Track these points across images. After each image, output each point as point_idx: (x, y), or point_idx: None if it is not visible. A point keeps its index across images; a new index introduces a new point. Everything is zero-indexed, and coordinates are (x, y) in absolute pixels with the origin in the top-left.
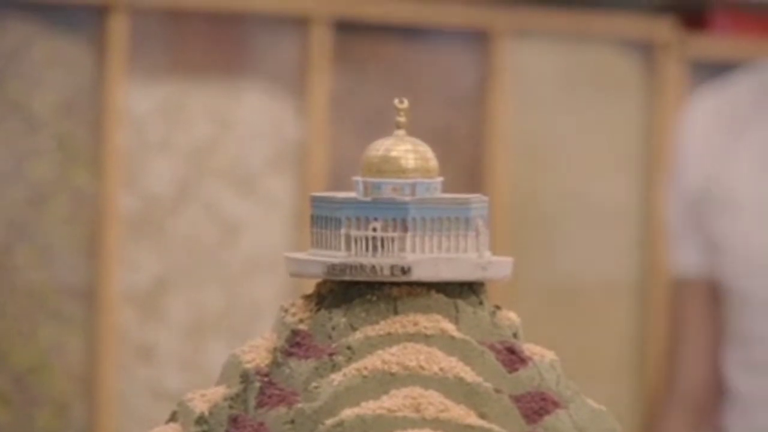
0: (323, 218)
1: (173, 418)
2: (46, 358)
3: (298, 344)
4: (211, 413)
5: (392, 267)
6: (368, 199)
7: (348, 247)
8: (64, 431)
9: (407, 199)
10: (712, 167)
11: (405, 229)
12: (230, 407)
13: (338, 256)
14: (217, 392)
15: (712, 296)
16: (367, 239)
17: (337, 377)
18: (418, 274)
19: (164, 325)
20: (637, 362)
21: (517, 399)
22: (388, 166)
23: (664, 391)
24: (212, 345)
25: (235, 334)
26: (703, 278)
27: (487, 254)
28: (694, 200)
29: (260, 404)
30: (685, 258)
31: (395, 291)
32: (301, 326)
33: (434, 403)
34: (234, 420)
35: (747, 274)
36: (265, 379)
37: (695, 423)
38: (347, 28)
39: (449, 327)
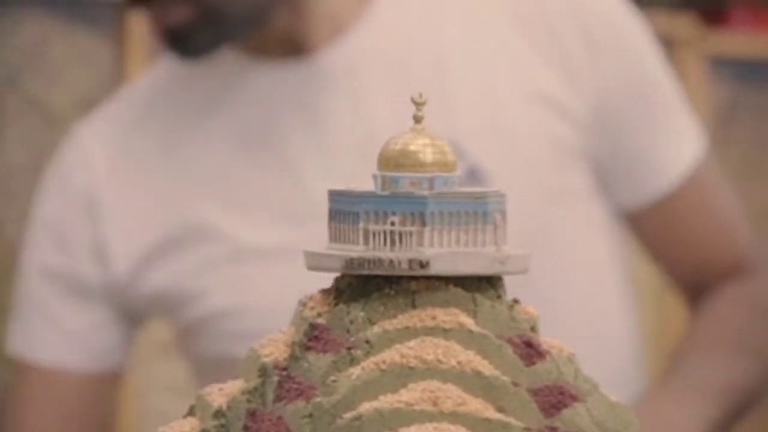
0: (341, 213)
1: (191, 412)
2: None
3: (316, 338)
4: (229, 407)
5: (410, 261)
6: (386, 193)
7: (366, 242)
8: None
9: (425, 193)
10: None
11: (423, 224)
12: (248, 401)
13: (356, 250)
14: (235, 386)
15: None
16: (385, 233)
17: (355, 371)
18: (437, 268)
19: None
20: (653, 354)
21: (534, 392)
22: (406, 160)
23: None
24: None
25: None
26: None
27: (505, 248)
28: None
29: (278, 398)
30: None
31: (413, 285)
32: (320, 320)
33: (452, 396)
34: (252, 414)
35: None
36: (284, 372)
37: None
38: None
39: (467, 321)
